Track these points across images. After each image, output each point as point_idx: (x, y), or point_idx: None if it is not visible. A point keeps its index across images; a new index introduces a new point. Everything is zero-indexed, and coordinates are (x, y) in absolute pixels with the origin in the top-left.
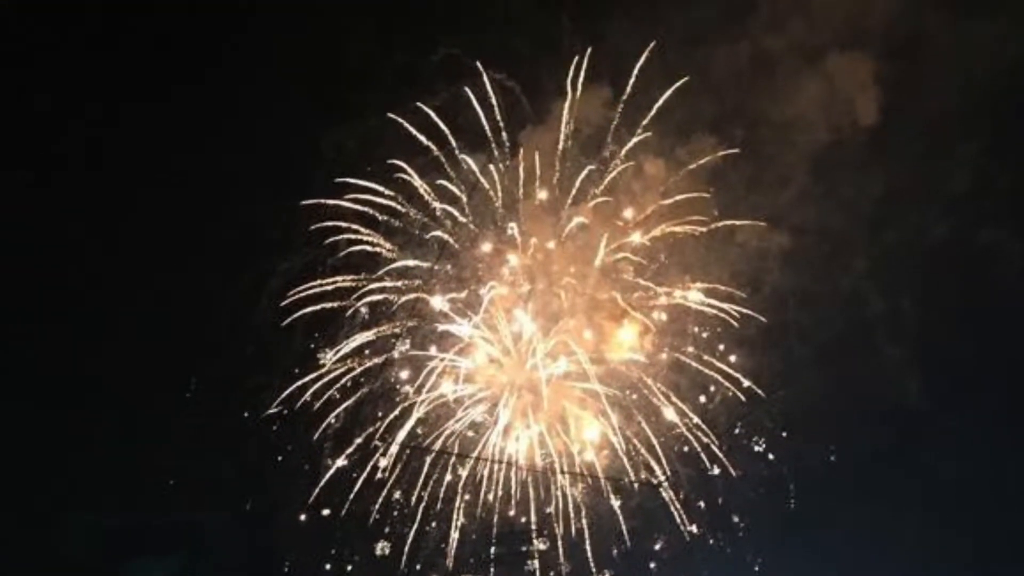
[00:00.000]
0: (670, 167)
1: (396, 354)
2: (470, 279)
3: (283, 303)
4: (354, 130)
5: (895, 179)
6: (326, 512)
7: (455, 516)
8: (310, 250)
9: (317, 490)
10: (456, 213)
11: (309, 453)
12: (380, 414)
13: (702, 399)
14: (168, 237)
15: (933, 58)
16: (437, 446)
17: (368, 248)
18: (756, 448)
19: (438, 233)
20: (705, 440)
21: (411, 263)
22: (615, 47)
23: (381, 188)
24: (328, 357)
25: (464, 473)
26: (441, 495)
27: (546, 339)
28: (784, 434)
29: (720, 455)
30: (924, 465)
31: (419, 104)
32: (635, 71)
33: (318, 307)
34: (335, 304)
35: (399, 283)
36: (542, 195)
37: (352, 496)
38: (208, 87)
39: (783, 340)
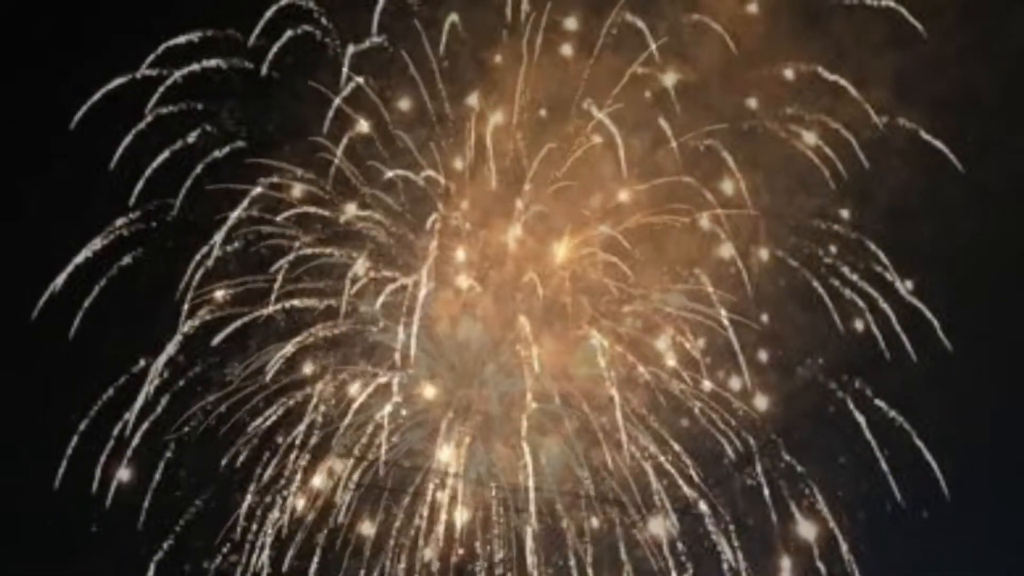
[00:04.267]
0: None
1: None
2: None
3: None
4: None
5: None
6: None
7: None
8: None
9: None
10: (389, 200)
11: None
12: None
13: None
14: (36, 226)
15: None
16: (366, 479)
17: (283, 242)
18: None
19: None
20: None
21: (334, 257)
22: None
23: (298, 170)
24: (236, 373)
25: (399, 512)
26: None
27: (497, 351)
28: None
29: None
30: None
31: None
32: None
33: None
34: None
35: (320, 284)
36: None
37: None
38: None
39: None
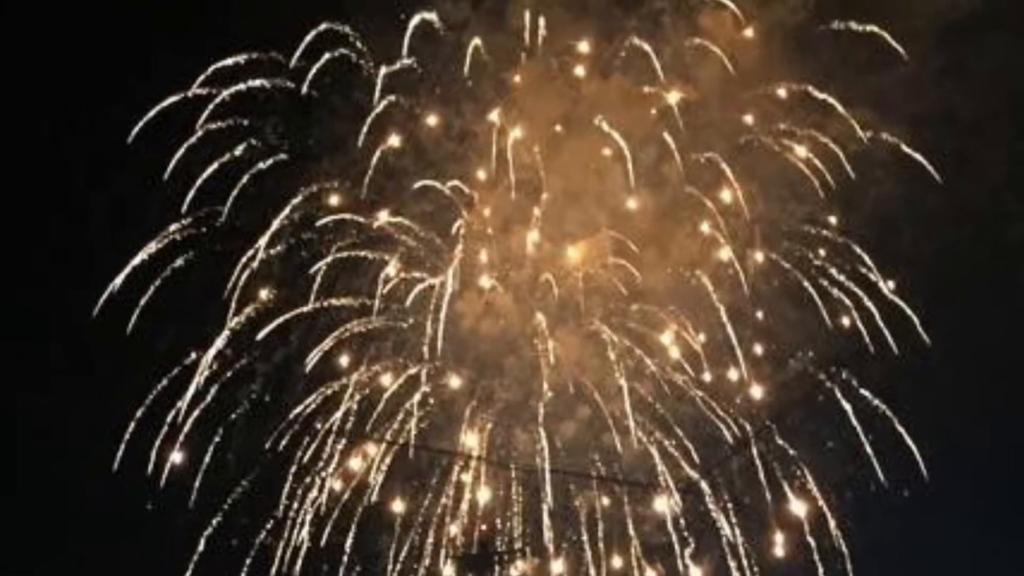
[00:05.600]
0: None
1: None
2: (434, 279)
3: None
4: None
5: None
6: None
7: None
8: None
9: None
10: (419, 208)
11: None
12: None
13: None
14: (97, 232)
15: None
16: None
17: (321, 246)
18: None
19: (400, 224)
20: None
21: (368, 259)
22: None
23: (335, 180)
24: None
25: (428, 492)
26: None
27: (517, 345)
28: None
29: None
30: None
31: None
32: None
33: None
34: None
35: (355, 284)
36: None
37: None
38: None
39: None
